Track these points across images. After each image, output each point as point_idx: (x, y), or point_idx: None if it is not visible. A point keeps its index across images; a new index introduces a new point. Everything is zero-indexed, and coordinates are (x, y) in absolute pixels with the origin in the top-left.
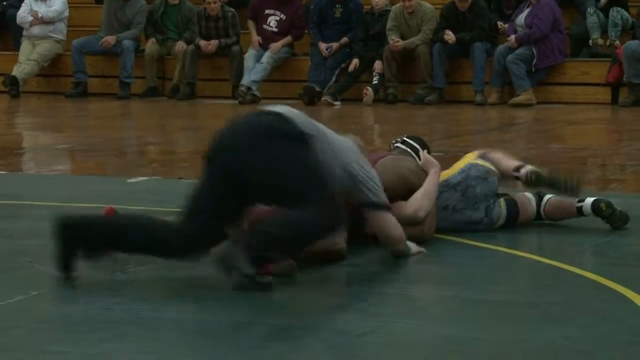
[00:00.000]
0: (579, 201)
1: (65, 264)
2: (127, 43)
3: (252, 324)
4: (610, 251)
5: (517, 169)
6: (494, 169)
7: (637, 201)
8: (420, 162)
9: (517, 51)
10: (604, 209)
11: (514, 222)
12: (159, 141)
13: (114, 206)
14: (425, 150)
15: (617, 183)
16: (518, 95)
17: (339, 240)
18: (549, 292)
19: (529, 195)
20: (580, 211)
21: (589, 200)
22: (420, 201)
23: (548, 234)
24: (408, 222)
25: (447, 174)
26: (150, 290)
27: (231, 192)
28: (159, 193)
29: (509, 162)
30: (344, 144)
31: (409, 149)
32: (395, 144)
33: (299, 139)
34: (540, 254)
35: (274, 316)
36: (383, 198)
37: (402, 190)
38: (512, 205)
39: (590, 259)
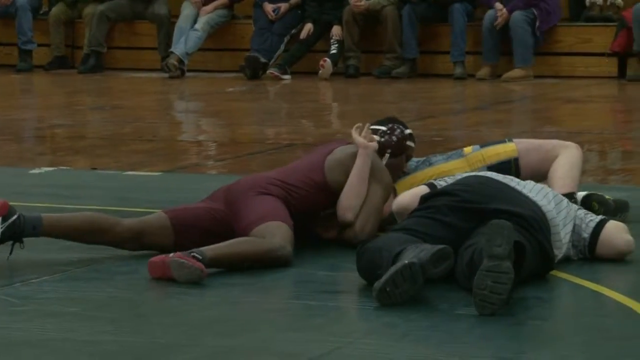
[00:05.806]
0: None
1: None
2: (21, 1)
3: (187, 345)
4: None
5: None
6: None
7: None
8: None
9: (523, 11)
10: (596, 207)
11: None
12: (67, 123)
13: (6, 200)
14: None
15: (622, 174)
16: (515, 69)
17: (283, 243)
18: (538, 306)
19: None
20: None
21: (580, 195)
22: (345, 200)
23: None
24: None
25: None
26: (57, 306)
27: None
28: (69, 186)
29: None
30: None
31: None
32: None
33: None
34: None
35: (212, 336)
36: None
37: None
38: None
39: (582, 264)
